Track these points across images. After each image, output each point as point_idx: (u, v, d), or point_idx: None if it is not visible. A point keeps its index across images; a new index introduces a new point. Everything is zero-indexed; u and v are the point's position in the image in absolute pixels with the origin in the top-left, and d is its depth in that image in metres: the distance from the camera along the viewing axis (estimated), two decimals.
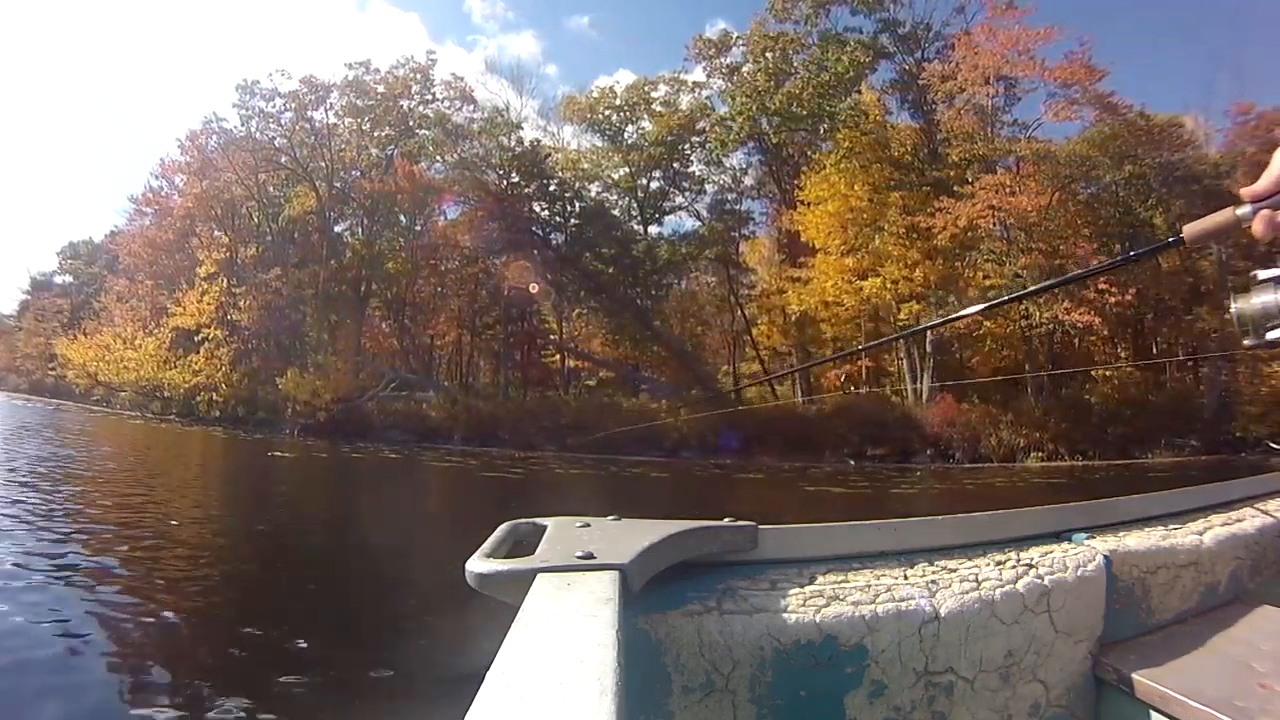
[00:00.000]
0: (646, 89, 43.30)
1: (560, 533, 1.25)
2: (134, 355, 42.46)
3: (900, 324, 32.53)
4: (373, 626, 6.73)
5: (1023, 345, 32.75)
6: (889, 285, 31.36)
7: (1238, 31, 50.32)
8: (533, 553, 1.14)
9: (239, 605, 7.30)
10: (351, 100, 42.91)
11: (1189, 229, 1.52)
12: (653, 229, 44.05)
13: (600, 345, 43.34)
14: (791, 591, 1.33)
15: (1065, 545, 1.68)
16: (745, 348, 42.74)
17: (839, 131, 34.81)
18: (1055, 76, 32.21)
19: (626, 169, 43.01)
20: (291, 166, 42.52)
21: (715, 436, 27.48)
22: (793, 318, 36.92)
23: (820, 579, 1.38)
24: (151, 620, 6.57)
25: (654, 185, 43.76)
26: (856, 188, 33.15)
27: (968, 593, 1.40)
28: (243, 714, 4.76)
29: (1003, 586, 1.44)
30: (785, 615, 1.26)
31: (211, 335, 39.94)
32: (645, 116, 43.09)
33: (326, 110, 43.13)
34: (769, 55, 39.83)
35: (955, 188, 31.60)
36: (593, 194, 44.14)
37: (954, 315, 14.97)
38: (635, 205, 43.73)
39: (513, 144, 41.87)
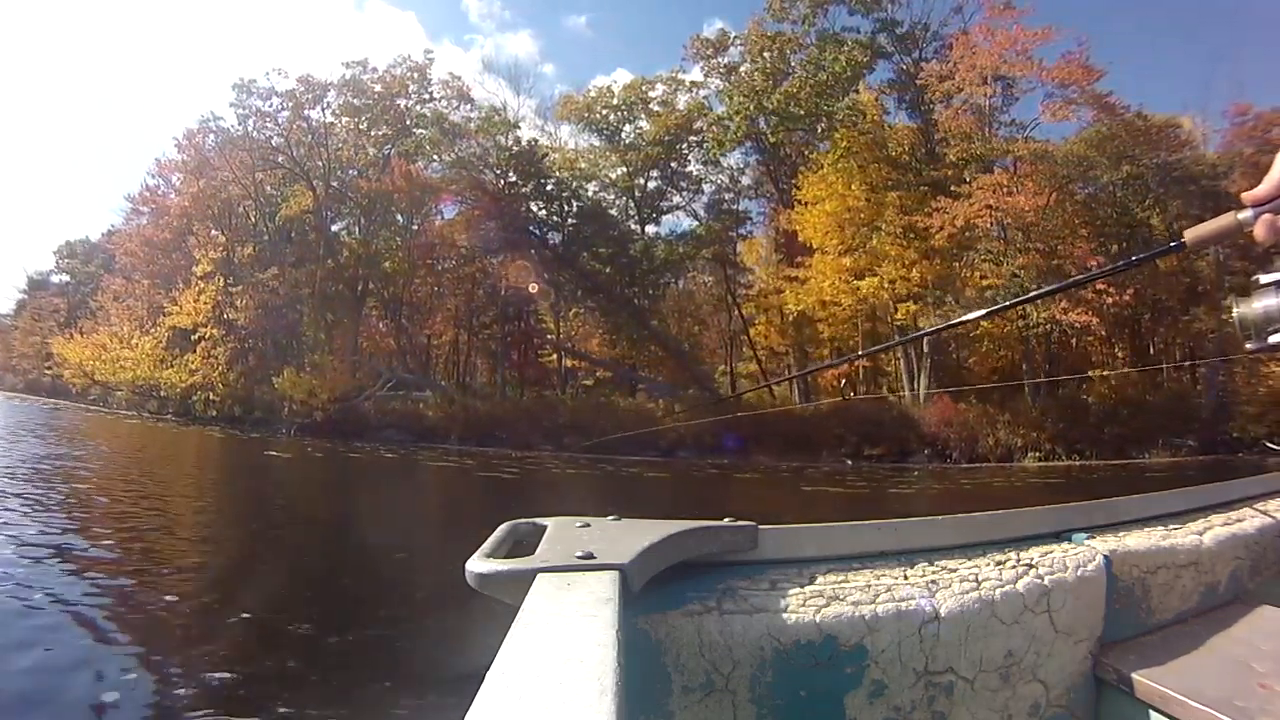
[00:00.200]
0: (644, 89, 43.28)
1: (560, 533, 1.25)
2: (130, 355, 42.38)
3: (898, 324, 32.60)
4: (370, 627, 6.72)
5: (1020, 345, 32.79)
6: (886, 285, 31.37)
7: (1236, 32, 50.45)
8: (533, 553, 1.14)
9: (235, 606, 7.29)
10: (349, 99, 42.86)
11: (1190, 233, 1.52)
12: (650, 229, 44.10)
13: (597, 345, 43.37)
14: (791, 591, 1.33)
15: (1065, 545, 1.68)
16: (742, 347, 42.75)
17: (836, 131, 34.81)
18: (1053, 76, 32.21)
19: (624, 168, 43.00)
20: (288, 166, 42.46)
21: (712, 436, 27.47)
22: (790, 317, 36.94)
23: (820, 579, 1.38)
24: (147, 621, 6.57)
25: (651, 185, 43.82)
26: (854, 187, 33.14)
27: (968, 593, 1.40)
28: (239, 713, 4.76)
29: (1003, 586, 1.44)
30: (785, 615, 1.26)
31: (208, 335, 39.86)
32: (643, 116, 43.11)
33: (324, 109, 43.17)
34: (766, 55, 39.84)
35: (953, 187, 31.59)
36: (590, 194, 44.15)
37: (956, 320, 14.95)
38: (632, 205, 43.72)
39: (510, 143, 41.84)
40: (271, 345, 41.40)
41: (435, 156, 42.03)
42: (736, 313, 42.11)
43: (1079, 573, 1.55)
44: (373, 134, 43.43)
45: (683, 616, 1.21)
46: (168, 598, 7.24)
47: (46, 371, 58.27)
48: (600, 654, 0.77)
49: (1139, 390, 30.37)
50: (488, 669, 0.73)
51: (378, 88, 42.96)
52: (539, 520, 1.32)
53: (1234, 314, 1.48)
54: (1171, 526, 1.90)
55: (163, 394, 40.97)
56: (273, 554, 9.94)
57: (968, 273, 32.02)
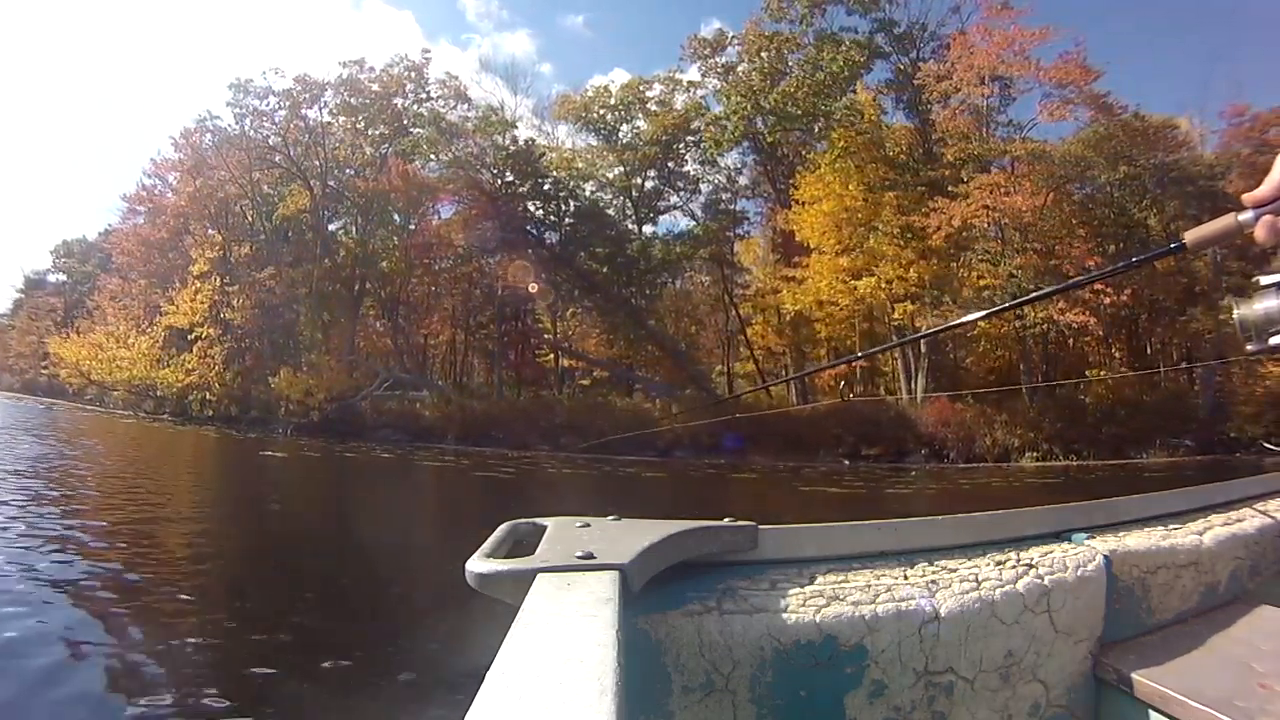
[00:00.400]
0: (641, 88, 43.23)
1: (560, 533, 1.25)
2: (127, 354, 42.39)
3: (895, 324, 32.62)
4: (368, 628, 6.71)
5: (1017, 346, 32.81)
6: (883, 285, 31.35)
7: (1234, 32, 50.52)
8: (533, 553, 1.14)
9: (230, 606, 7.29)
10: (346, 99, 42.80)
11: (1190, 235, 1.51)
12: (647, 228, 44.05)
13: (594, 345, 43.34)
14: (791, 591, 1.33)
15: (1065, 545, 1.68)
16: (740, 347, 42.73)
17: (834, 131, 34.78)
18: (1050, 76, 32.20)
19: (621, 168, 42.96)
20: (285, 165, 42.43)
21: (709, 436, 27.43)
22: (787, 317, 36.99)
23: (820, 579, 1.38)
24: (143, 621, 6.56)
25: (648, 185, 43.74)
26: (851, 187, 33.15)
27: (968, 593, 1.40)
28: (239, 714, 4.75)
29: (1003, 586, 1.44)
30: (785, 615, 1.26)
31: (204, 334, 39.85)
32: (640, 116, 43.03)
33: (321, 109, 43.10)
34: (764, 55, 39.84)
35: (950, 188, 31.60)
36: (587, 193, 44.10)
37: (957, 321, 14.87)
38: (630, 205, 43.67)
39: (507, 143, 41.83)
40: (268, 345, 41.32)
41: (432, 156, 41.95)
42: (733, 313, 42.12)
43: (1079, 573, 1.55)
44: (370, 133, 43.39)
45: (683, 616, 1.21)
46: (163, 598, 7.22)
47: (43, 371, 58.27)
48: (600, 654, 0.77)
49: (1136, 390, 30.37)
50: (488, 669, 0.73)
51: (375, 87, 42.91)
52: (539, 520, 1.32)
53: (1235, 315, 1.47)
54: (1171, 526, 1.90)
55: (159, 394, 40.94)
56: (268, 554, 9.93)
57: (965, 273, 32.01)
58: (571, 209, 43.21)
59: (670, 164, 43.11)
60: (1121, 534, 1.79)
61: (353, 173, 43.30)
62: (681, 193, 44.25)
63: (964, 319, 8.28)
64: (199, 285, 40.58)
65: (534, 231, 42.19)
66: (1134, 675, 1.49)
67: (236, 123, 43.18)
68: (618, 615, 0.90)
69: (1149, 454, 27.98)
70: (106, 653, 5.72)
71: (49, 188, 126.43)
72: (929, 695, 1.34)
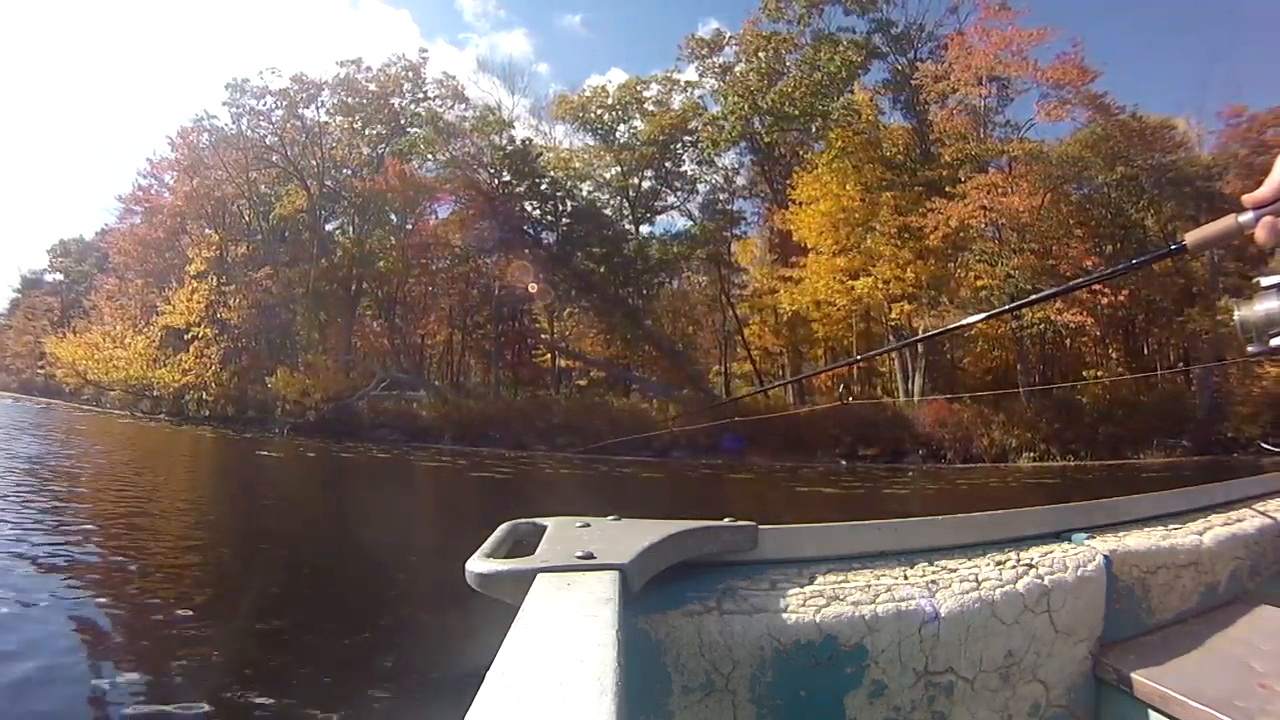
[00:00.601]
0: (639, 88, 43.26)
1: (560, 533, 1.25)
2: (123, 354, 42.29)
3: (892, 324, 32.64)
4: (365, 627, 6.70)
5: (1014, 346, 32.84)
6: (881, 285, 31.39)
7: (1232, 33, 50.54)
8: (533, 553, 1.14)
9: (225, 606, 7.28)
10: (343, 98, 42.85)
11: (1191, 236, 1.51)
12: (644, 228, 44.07)
13: (591, 345, 43.33)
14: (791, 591, 1.33)
15: (1065, 545, 1.68)
16: (737, 347, 42.73)
17: (831, 131, 34.81)
18: (1048, 77, 32.27)
19: (618, 168, 42.99)
20: (282, 165, 42.45)
21: (707, 437, 27.40)
22: (784, 317, 37.04)
23: (820, 579, 1.38)
24: (139, 622, 6.55)
25: (646, 185, 43.75)
26: (849, 187, 33.20)
27: (968, 593, 1.40)
28: (236, 714, 4.75)
29: (1003, 586, 1.44)
30: (785, 615, 1.26)
31: (201, 334, 39.75)
32: (637, 116, 43.06)
33: (318, 108, 43.18)
34: (762, 55, 39.93)
35: (947, 188, 31.64)
36: (584, 193, 44.18)
37: (958, 323, 14.89)
38: (627, 204, 43.66)
39: (504, 143, 41.85)
40: (265, 345, 41.33)
41: (429, 156, 41.92)
42: (731, 313, 42.16)
43: (1079, 573, 1.55)
44: (367, 133, 43.43)
45: (683, 616, 1.21)
46: (158, 599, 7.22)
47: (40, 371, 58.18)
48: (600, 654, 0.77)
49: (1133, 390, 30.41)
50: (488, 669, 0.73)
51: (372, 87, 42.97)
52: (539, 520, 1.32)
53: (1235, 317, 1.47)
54: (1171, 526, 1.91)
55: (156, 393, 40.84)
56: (262, 554, 9.91)
57: (962, 273, 32.06)
58: (568, 209, 43.28)
59: (667, 164, 43.16)
60: (1121, 534, 1.79)
61: (350, 172, 43.29)
62: (679, 193, 44.34)
63: (965, 321, 8.29)
64: (196, 285, 40.51)
65: (531, 231, 42.20)
66: (1134, 675, 1.49)
67: (233, 122, 43.32)
68: (618, 615, 0.90)
69: (1146, 454, 28.04)
70: (102, 653, 5.72)
71: (46, 187, 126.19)
72: (929, 695, 1.34)
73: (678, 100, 43.13)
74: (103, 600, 7.01)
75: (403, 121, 43.08)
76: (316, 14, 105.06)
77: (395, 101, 43.27)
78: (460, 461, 25.23)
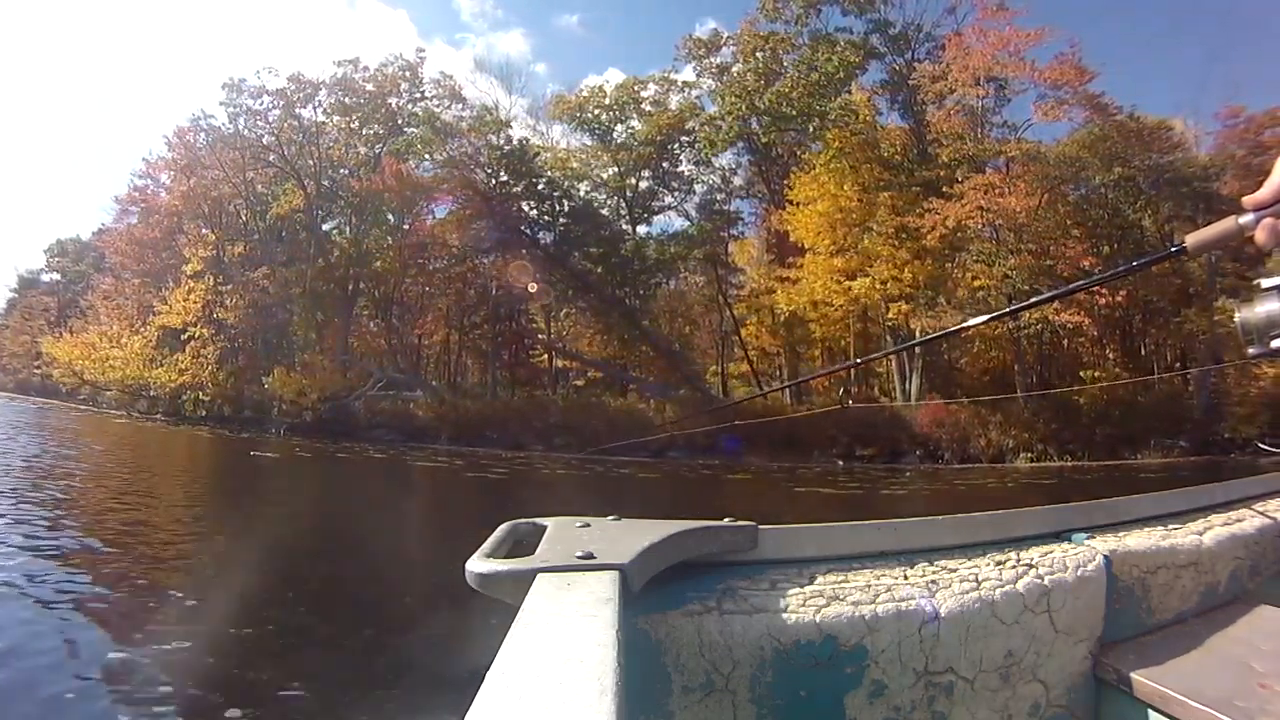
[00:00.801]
0: (636, 88, 43.20)
1: (560, 533, 1.25)
2: (120, 354, 42.19)
3: (889, 324, 32.66)
4: (363, 627, 6.70)
5: (1012, 347, 32.84)
6: (878, 285, 31.38)
7: (1228, 34, 50.65)
8: (533, 553, 1.14)
9: (221, 606, 7.26)
10: (340, 98, 42.77)
11: (1191, 238, 1.50)
12: (641, 229, 44.04)
13: (589, 345, 43.31)
14: (791, 591, 1.33)
15: (1065, 545, 1.69)
16: (734, 348, 42.74)
17: (829, 131, 34.78)
18: (1045, 77, 32.32)
19: (615, 168, 42.91)
20: (279, 164, 42.33)
21: (703, 437, 27.36)
22: (781, 318, 37.02)
23: (820, 579, 1.38)
24: (135, 622, 6.53)
25: (643, 185, 43.73)
26: (846, 188, 33.22)
27: (968, 593, 1.40)
28: (233, 714, 4.74)
29: (1003, 586, 1.44)
30: (785, 615, 1.26)
31: (198, 334, 39.65)
32: (634, 116, 43.02)
33: (315, 108, 43.05)
34: (759, 55, 39.94)
35: (945, 188, 31.64)
36: (581, 193, 44.06)
37: (956, 327, 14.88)
38: (624, 205, 43.61)
39: (501, 142, 41.77)
40: (262, 345, 41.31)
41: (427, 155, 41.83)
42: (728, 313, 42.09)
43: (1079, 573, 1.55)
44: (364, 133, 43.38)
45: (683, 616, 1.21)
46: (154, 599, 7.21)
47: (36, 371, 58.09)
48: (600, 654, 0.77)
49: (1130, 391, 30.42)
50: (488, 669, 0.73)
51: (369, 86, 42.91)
52: (539, 520, 1.32)
53: (1236, 318, 1.46)
54: (1171, 526, 1.91)
55: (152, 393, 40.76)
56: (257, 555, 9.90)
57: (960, 273, 32.05)
58: (566, 209, 43.20)
59: (665, 164, 43.12)
60: (1121, 534, 1.79)
61: (347, 172, 43.19)
62: (676, 193, 44.30)
63: (969, 323, 8.23)
64: (192, 285, 40.41)
65: (528, 231, 42.16)
66: (1134, 675, 1.49)
67: (230, 122, 43.18)
68: (618, 615, 0.90)
69: (1144, 455, 28.09)
70: (97, 653, 5.70)
71: (44, 187, 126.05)
72: (929, 695, 1.34)
73: (675, 100, 43.19)
74: (98, 601, 7.00)
75: (400, 121, 43.04)
76: (314, 14, 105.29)
77: (392, 101, 43.21)
78: (457, 462, 25.22)
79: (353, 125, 43.40)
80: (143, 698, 4.94)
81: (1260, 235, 1.31)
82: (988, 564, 1.52)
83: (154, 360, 40.71)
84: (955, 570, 1.48)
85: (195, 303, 39.97)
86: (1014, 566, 1.51)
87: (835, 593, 1.33)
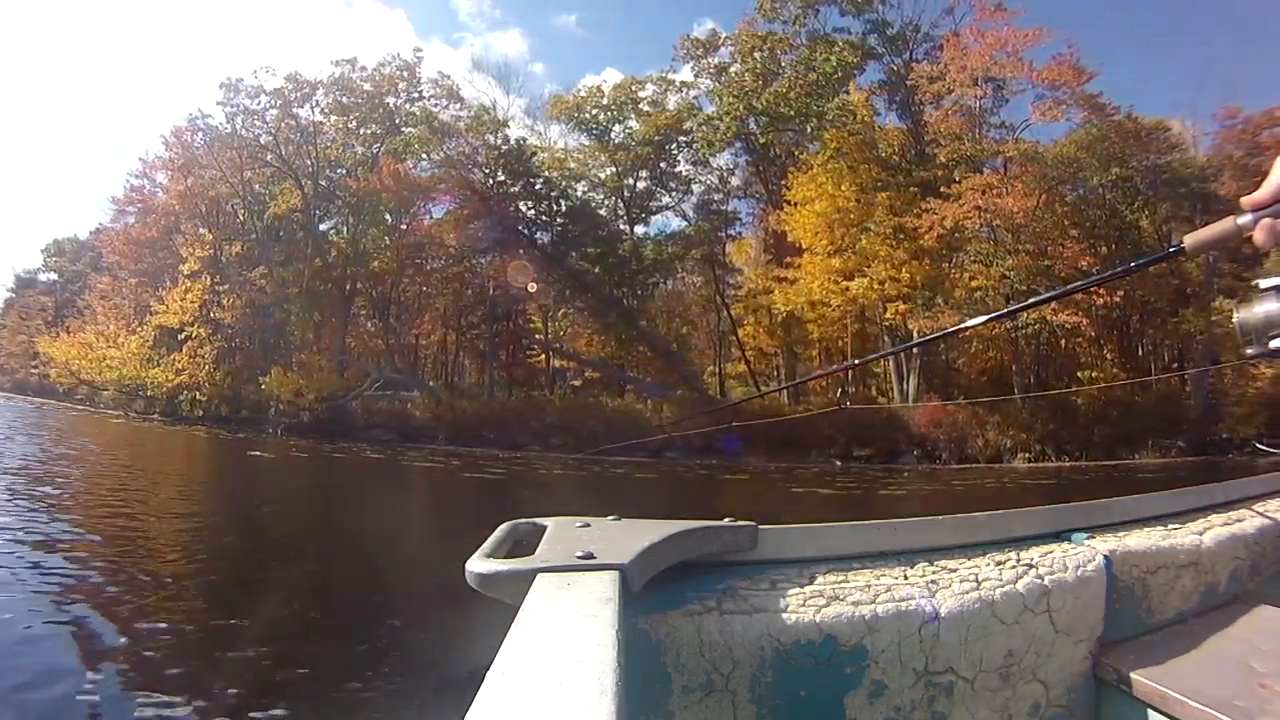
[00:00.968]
0: (634, 88, 43.17)
1: (560, 533, 1.24)
2: (117, 354, 42.14)
3: (887, 324, 32.67)
4: (361, 628, 6.69)
5: (1009, 347, 32.87)
6: (875, 286, 31.37)
7: (1226, 34, 50.74)
8: (533, 553, 1.14)
9: (218, 606, 7.26)
10: (337, 98, 42.70)
11: (1190, 239, 1.50)
12: (639, 229, 44.05)
13: (586, 345, 43.33)
14: (791, 591, 1.32)
15: (1065, 545, 1.69)
16: (731, 348, 42.79)
17: (826, 132, 34.77)
18: (1043, 78, 32.32)
19: (613, 168, 42.88)
20: (277, 164, 42.31)
21: (701, 437, 27.37)
22: (779, 318, 37.00)
23: (820, 579, 1.38)
24: (133, 622, 6.53)
25: (640, 185, 43.68)
26: (844, 188, 33.22)
27: (968, 593, 1.40)
28: (231, 714, 4.73)
29: (1003, 586, 1.44)
30: (785, 615, 1.26)
31: (195, 333, 39.62)
32: (632, 116, 42.96)
33: (312, 108, 42.97)
34: (757, 55, 39.90)
35: (942, 189, 31.64)
36: (579, 193, 44.03)
37: (954, 327, 14.92)
38: (621, 205, 43.61)
39: (499, 142, 41.73)
40: (259, 344, 41.29)
41: (424, 155, 41.75)
42: (725, 313, 42.15)
43: (1079, 573, 1.55)
44: (361, 132, 43.29)
45: (683, 616, 1.21)
46: (151, 599, 7.20)
47: (34, 370, 58.04)
48: (600, 654, 0.77)
49: (1128, 391, 30.45)
50: (488, 669, 0.73)
51: (367, 86, 42.84)
52: (539, 520, 1.32)
53: (1235, 319, 1.47)
54: (1171, 526, 1.91)
55: (149, 394, 40.70)
56: (254, 555, 9.90)
57: (958, 274, 32.07)
58: (563, 209, 43.21)
59: (662, 164, 43.09)
60: (1121, 534, 1.79)
61: (344, 172, 43.15)
62: (674, 193, 44.24)
63: (969, 323, 8.24)
64: (189, 284, 40.38)
65: (526, 231, 42.12)
66: (1134, 675, 1.49)
67: (228, 121, 43.13)
68: (618, 615, 0.90)
69: (1141, 455, 28.13)
70: (95, 653, 5.70)
71: (41, 187, 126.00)
72: (929, 695, 1.34)
73: (673, 100, 43.14)
74: (95, 602, 6.99)
75: (397, 121, 42.96)
76: (312, 13, 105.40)
77: (390, 101, 43.13)
78: (454, 462, 25.21)
79: (350, 125, 43.33)
80: (138, 694, 4.93)
81: (1258, 236, 1.31)
82: (988, 564, 1.52)
83: (151, 360, 40.67)
84: (955, 570, 1.48)
85: (192, 302, 39.93)
86: (1014, 566, 1.51)
87: (835, 593, 1.33)
